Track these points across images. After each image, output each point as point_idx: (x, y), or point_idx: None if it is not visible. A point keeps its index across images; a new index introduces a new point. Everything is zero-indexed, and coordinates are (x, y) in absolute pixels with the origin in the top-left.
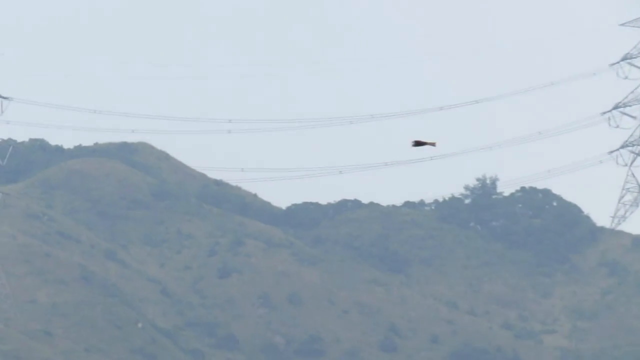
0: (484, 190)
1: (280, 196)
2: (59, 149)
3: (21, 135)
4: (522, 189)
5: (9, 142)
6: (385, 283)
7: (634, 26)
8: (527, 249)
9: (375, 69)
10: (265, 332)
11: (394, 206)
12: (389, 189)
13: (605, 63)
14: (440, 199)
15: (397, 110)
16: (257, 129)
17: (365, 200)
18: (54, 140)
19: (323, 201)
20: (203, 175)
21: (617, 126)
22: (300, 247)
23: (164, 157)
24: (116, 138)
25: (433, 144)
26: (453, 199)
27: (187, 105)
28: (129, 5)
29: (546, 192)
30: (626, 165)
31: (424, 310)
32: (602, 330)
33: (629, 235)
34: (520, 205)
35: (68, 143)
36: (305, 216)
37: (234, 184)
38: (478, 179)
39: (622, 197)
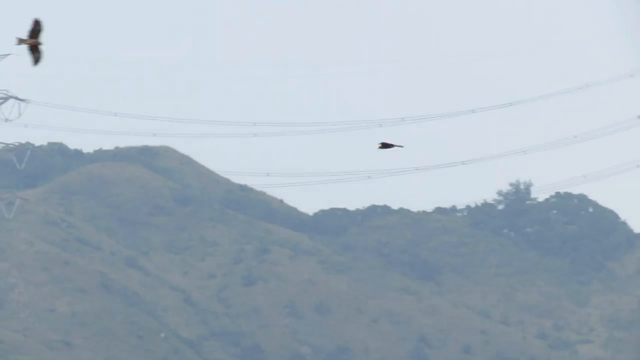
0: (518, 196)
1: (307, 202)
2: (78, 153)
3: (39, 138)
4: (557, 194)
5: (27, 146)
6: (416, 291)
7: None
8: (562, 257)
9: (405, 71)
10: (291, 343)
11: (424, 212)
12: (419, 194)
13: None
14: (473, 205)
15: (427, 113)
16: (283, 132)
17: (394, 205)
18: (73, 144)
19: (351, 207)
20: (227, 180)
21: None
22: (327, 255)
23: (187, 161)
24: (137, 141)
25: (401, 146)
26: (486, 204)
27: (210, 107)
28: (148, 4)
29: (582, 198)
30: None
31: (456, 319)
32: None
33: None
34: (555, 211)
35: (88, 147)
36: (332, 222)
37: (259, 189)
38: (511, 184)
39: None
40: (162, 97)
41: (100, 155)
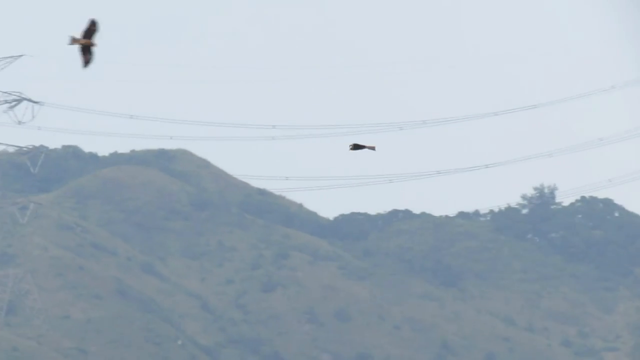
0: (542, 200)
1: (327, 206)
2: (93, 157)
3: (53, 141)
4: (582, 198)
5: (41, 149)
6: (438, 298)
7: None
8: (588, 262)
9: (427, 74)
10: (311, 350)
11: (447, 217)
12: (441, 198)
13: None
14: (496, 209)
15: (450, 116)
16: (303, 135)
17: (416, 210)
18: (87, 147)
19: (372, 211)
20: (245, 184)
21: None
22: (348, 260)
23: (204, 164)
24: (153, 145)
25: (372, 148)
26: (509, 209)
27: (228, 110)
28: (165, 8)
29: (607, 202)
30: None
31: (479, 326)
32: None
33: None
34: (580, 216)
35: (103, 150)
36: (353, 227)
37: (278, 193)
38: (536, 188)
39: None
40: (179, 100)
41: (115, 159)
